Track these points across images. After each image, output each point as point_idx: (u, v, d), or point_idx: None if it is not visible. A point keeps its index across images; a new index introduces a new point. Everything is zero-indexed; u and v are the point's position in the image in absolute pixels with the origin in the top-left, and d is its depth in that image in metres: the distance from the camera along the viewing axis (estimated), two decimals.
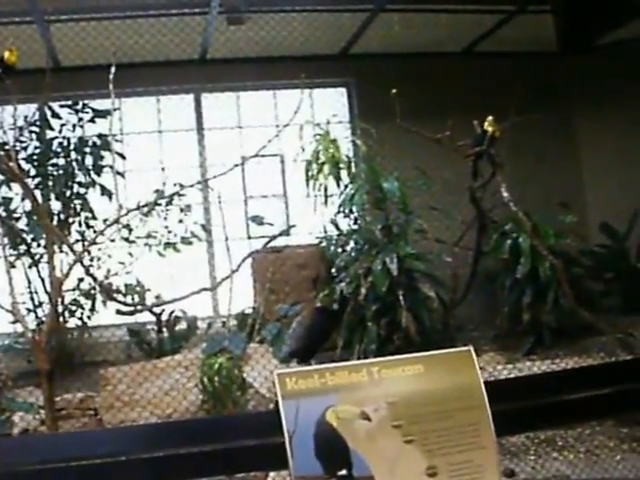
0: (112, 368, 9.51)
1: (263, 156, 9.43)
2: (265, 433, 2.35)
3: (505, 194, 9.69)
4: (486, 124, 9.53)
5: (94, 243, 10.09)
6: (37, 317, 11.15)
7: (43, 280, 10.85)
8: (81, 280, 11.14)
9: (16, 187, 10.90)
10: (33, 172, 11.34)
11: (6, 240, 10.72)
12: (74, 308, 11.43)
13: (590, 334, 10.05)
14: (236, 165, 8.14)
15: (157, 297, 11.27)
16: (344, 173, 11.27)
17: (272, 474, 6.72)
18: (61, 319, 11.06)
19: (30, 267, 11.05)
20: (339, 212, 11.06)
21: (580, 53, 12.66)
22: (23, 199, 11.06)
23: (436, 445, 2.37)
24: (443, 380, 2.46)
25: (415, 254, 9.98)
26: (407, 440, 2.35)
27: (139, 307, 10.81)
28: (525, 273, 10.30)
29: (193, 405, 8.60)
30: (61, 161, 11.49)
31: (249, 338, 9.94)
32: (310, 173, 11.36)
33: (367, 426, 2.34)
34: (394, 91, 8.77)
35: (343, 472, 2.30)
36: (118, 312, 9.41)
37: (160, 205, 11.33)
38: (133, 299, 11.40)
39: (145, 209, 10.85)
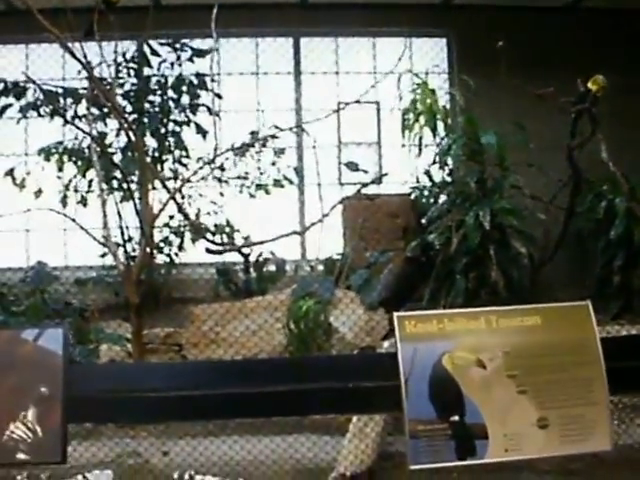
0: (200, 306, 9.61)
1: (359, 102, 9.38)
2: (379, 375, 2.36)
3: (604, 154, 9.54)
4: (590, 82, 9.32)
5: (188, 181, 10.17)
6: (126, 252, 11.29)
7: (138, 213, 10.92)
8: (171, 217, 11.25)
9: (111, 123, 11.01)
10: (129, 109, 11.42)
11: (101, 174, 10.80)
12: (162, 245, 11.55)
13: None
14: (335, 111, 8.15)
15: (246, 238, 11.33)
16: (440, 124, 11.16)
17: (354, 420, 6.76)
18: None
19: (122, 202, 11.16)
20: (434, 163, 10.99)
21: None
22: (118, 134, 11.17)
23: (548, 397, 2.37)
24: (560, 333, 2.44)
25: (509, 209, 9.89)
26: (520, 390, 2.35)
27: (228, 247, 10.88)
28: (619, 235, 10.13)
29: (279, 346, 8.66)
30: (157, 98, 11.55)
31: (336, 284, 9.96)
32: (406, 122, 11.26)
33: (482, 374, 2.34)
34: (500, 43, 8.63)
35: (455, 417, 2.30)
36: (207, 251, 9.50)
37: (254, 147, 11.35)
38: (222, 239, 11.47)
39: (239, 150, 10.89)
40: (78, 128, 10.17)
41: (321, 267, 10.93)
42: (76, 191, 11.44)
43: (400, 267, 8.78)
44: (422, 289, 9.73)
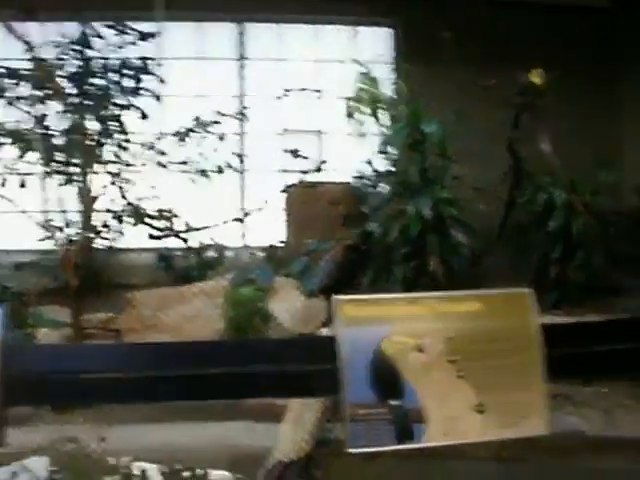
0: (141, 291, 9.55)
1: (303, 90, 9.38)
2: (317, 358, 2.34)
3: (544, 146, 9.62)
4: (532, 75, 9.42)
5: (128, 165, 10.08)
6: (67, 236, 11.13)
7: (82, 195, 10.74)
8: (111, 201, 11.12)
9: (52, 105, 10.84)
10: (70, 91, 11.24)
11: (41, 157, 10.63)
12: (102, 229, 11.40)
13: (617, 295, 10.00)
14: (279, 97, 8.13)
15: (186, 224, 11.26)
16: (384, 113, 11.16)
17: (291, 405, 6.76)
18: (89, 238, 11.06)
19: (62, 185, 11.00)
20: (376, 152, 11.00)
21: (634, 7, 12.34)
22: (59, 117, 10.99)
23: (486, 382, 2.38)
24: (499, 319, 2.45)
25: (450, 199, 9.93)
26: (459, 375, 2.36)
27: (168, 232, 10.80)
28: (557, 227, 10.23)
29: (219, 332, 8.62)
30: (99, 81, 11.38)
31: (276, 271, 9.95)
32: (349, 111, 11.26)
33: (422, 358, 2.34)
34: (447, 33, 8.66)
35: (395, 402, 2.30)
36: (151, 237, 9.43)
37: (196, 132, 11.26)
38: (162, 224, 11.37)
39: (181, 135, 10.81)
40: (18, 108, 9.99)
41: (262, 254, 10.91)
42: (17, 174, 11.25)
43: (340, 255, 8.79)
44: (361, 277, 9.74)
